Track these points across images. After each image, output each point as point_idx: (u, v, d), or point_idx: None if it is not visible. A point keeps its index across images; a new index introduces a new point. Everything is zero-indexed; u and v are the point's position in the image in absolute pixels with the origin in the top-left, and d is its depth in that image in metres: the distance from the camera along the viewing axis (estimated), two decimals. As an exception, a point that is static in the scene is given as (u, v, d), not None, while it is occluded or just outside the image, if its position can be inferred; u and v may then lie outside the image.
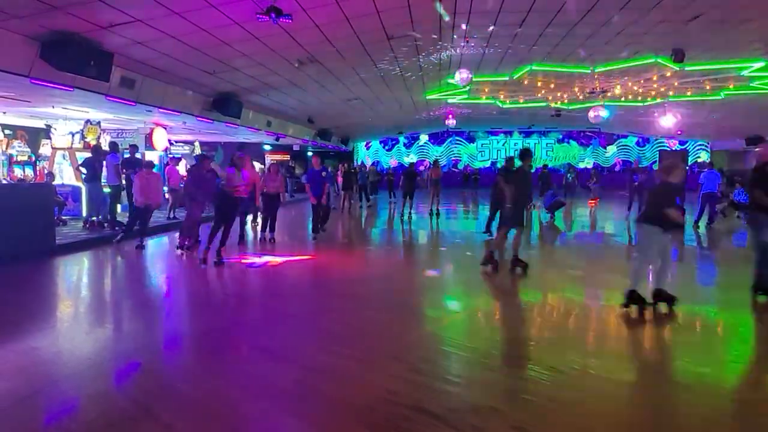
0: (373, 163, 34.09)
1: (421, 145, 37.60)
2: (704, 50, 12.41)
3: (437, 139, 37.55)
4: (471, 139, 37.67)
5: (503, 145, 37.54)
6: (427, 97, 19.85)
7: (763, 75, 14.79)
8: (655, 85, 16.57)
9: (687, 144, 34.65)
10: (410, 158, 38.09)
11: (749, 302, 6.69)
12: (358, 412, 3.74)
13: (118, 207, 13.23)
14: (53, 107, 13.36)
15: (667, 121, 18.17)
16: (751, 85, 15.97)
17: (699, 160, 33.15)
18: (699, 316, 6.33)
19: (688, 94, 17.62)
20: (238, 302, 7.23)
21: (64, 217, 13.33)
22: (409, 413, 3.70)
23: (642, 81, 15.67)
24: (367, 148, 38.43)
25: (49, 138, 15.99)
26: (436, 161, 19.79)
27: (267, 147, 30.58)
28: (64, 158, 15.88)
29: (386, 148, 38.19)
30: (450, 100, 20.80)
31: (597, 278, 8.40)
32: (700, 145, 34.58)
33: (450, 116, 23.69)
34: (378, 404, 3.85)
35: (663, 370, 4.87)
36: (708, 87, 16.36)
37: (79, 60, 8.80)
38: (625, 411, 3.90)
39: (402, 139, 37.73)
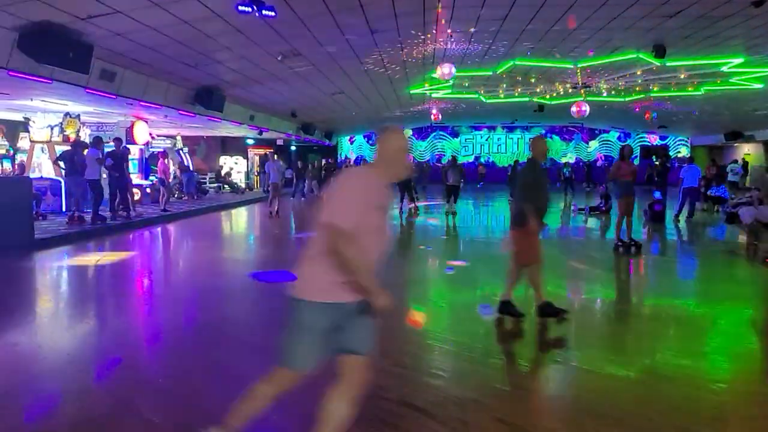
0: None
1: (405, 140, 37.51)
2: (685, 46, 12.53)
3: (421, 134, 37.56)
4: (455, 134, 37.75)
5: (486, 140, 37.68)
6: (411, 92, 19.80)
7: (742, 71, 14.98)
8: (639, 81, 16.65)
9: (667, 139, 35.03)
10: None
11: (728, 295, 6.79)
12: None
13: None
14: (32, 100, 13.10)
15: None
16: (730, 81, 16.17)
17: (679, 155, 33.56)
18: (679, 309, 6.42)
19: (673, 88, 17.75)
20: (224, 296, 7.16)
21: (41, 212, 13.02)
22: (395, 407, 3.70)
23: (628, 75, 15.67)
24: (351, 143, 38.33)
25: (28, 131, 15.71)
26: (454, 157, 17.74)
27: (250, 141, 30.34)
28: (42, 152, 15.62)
29: (370, 142, 38.10)
30: (434, 95, 20.73)
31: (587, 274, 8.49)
32: (680, 140, 34.95)
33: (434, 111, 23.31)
34: (365, 399, 3.84)
35: (646, 362, 4.92)
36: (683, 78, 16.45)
37: (58, 52, 8.62)
38: (609, 402, 3.93)
39: (386, 134, 37.65)
